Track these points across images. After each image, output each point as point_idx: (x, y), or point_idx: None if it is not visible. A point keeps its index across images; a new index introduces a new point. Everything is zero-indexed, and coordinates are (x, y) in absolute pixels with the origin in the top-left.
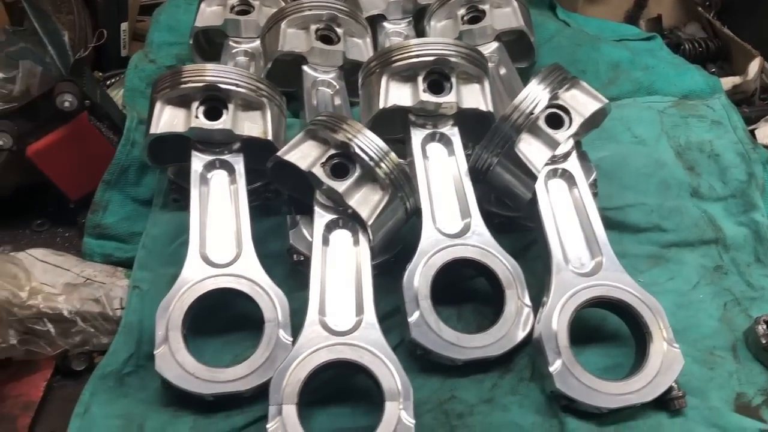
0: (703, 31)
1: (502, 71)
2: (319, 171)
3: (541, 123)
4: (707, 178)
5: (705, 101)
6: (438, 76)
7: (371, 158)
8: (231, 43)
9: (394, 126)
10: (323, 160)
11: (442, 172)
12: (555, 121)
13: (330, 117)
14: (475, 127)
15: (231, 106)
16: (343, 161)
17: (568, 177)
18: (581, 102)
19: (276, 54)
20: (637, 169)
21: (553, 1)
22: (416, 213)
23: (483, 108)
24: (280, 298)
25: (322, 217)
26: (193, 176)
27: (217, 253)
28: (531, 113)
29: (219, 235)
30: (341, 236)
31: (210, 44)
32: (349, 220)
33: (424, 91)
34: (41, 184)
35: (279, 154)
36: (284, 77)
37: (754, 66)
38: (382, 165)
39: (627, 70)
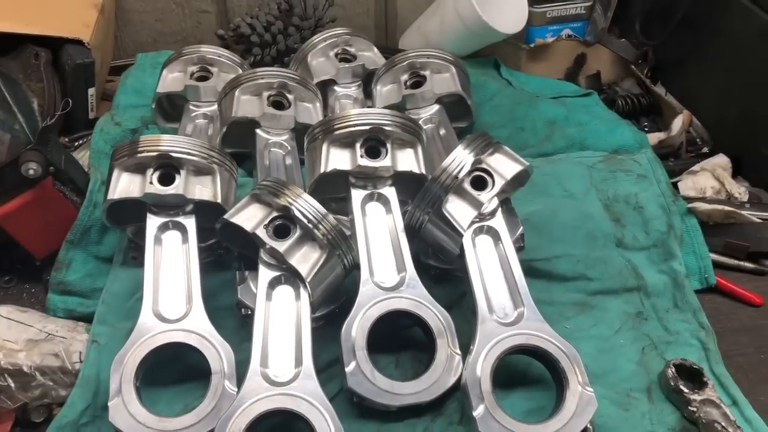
0: (638, 86)
1: (442, 132)
2: (262, 232)
3: (466, 185)
4: (631, 229)
5: (633, 156)
6: (375, 143)
7: (310, 220)
8: (191, 106)
9: (337, 186)
10: (266, 222)
11: (380, 229)
12: (479, 183)
13: (273, 182)
14: (412, 186)
15: (183, 172)
16: (284, 223)
17: (493, 233)
18: (503, 165)
19: (231, 119)
20: (566, 222)
21: (498, 61)
22: (356, 268)
23: (416, 171)
24: (227, 351)
25: (265, 274)
26: (148, 237)
27: (169, 308)
28: (456, 176)
29: (171, 291)
30: (283, 292)
31: (172, 107)
32: (291, 276)
33: (362, 156)
34: (9, 243)
35: (226, 216)
36: (240, 138)
37: (678, 122)
38: (320, 226)
39: (562, 126)
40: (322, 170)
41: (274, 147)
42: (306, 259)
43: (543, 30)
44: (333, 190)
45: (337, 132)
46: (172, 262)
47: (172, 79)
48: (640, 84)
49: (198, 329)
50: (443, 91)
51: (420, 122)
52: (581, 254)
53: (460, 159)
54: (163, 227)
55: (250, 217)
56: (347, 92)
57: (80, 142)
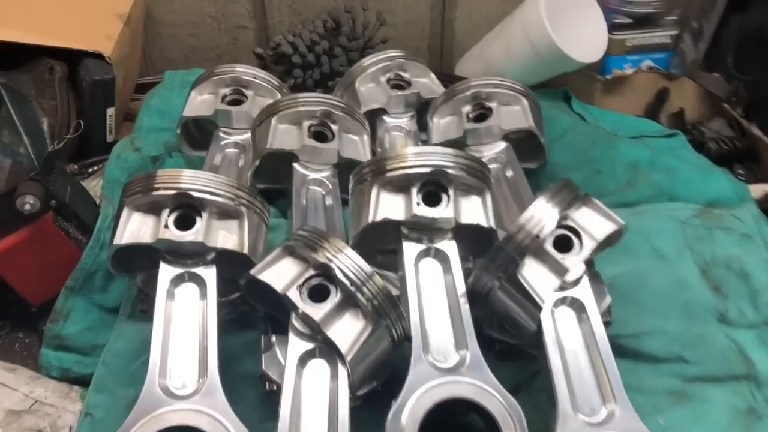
0: (729, 128)
1: (509, 173)
2: (294, 294)
3: (548, 246)
4: (736, 301)
5: (732, 210)
6: (434, 188)
7: (353, 282)
8: (221, 133)
9: (385, 237)
10: (300, 281)
11: (437, 292)
12: (564, 245)
13: (311, 233)
14: (476, 240)
15: (205, 215)
16: (322, 283)
17: (578, 306)
18: (594, 223)
19: (265, 151)
20: (658, 290)
21: (569, 93)
22: (407, 340)
23: (484, 224)
24: None
25: (296, 346)
26: (159, 290)
27: (179, 381)
28: (537, 236)
29: (183, 359)
30: (317, 367)
31: (200, 132)
32: (327, 350)
33: (419, 204)
34: (1, 285)
35: (253, 272)
36: (274, 173)
37: None
38: (365, 290)
39: (646, 171)
40: (370, 219)
41: (313, 185)
42: (346, 331)
43: (621, 60)
44: (381, 242)
45: (390, 174)
46: (186, 321)
47: (200, 102)
48: (732, 125)
49: (212, 409)
50: (512, 126)
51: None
52: (676, 330)
53: (542, 214)
54: (178, 279)
55: (281, 274)
56: (398, 123)
57: (94, 168)
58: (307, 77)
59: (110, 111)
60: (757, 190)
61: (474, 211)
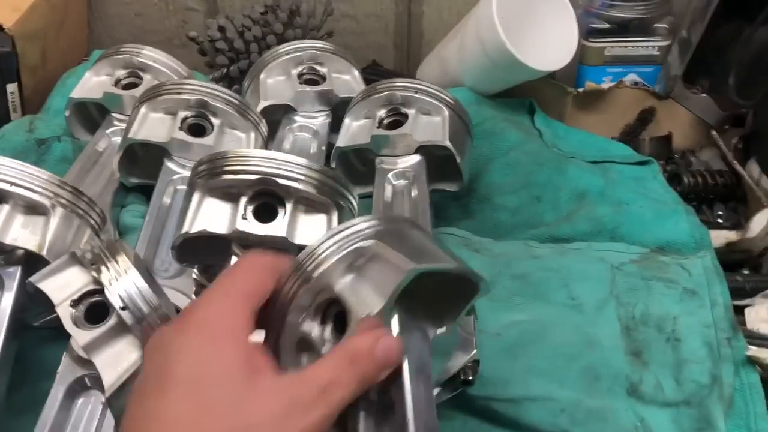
0: (721, 159)
1: (414, 192)
2: (65, 310)
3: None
4: (656, 372)
5: (683, 259)
6: (272, 200)
7: (128, 308)
8: (113, 119)
9: (216, 252)
10: (76, 296)
11: None
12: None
13: (104, 243)
14: None
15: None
16: (99, 302)
17: None
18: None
19: (128, 142)
20: (558, 347)
21: (534, 105)
22: None
23: None
24: None
25: (64, 378)
26: None
27: None
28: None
29: None
30: (84, 405)
31: (102, 115)
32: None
33: (244, 217)
34: None
35: (34, 278)
36: (151, 166)
37: (761, 219)
38: (147, 320)
39: (593, 203)
40: (184, 229)
41: (182, 184)
42: (115, 361)
43: (599, 71)
44: (211, 256)
45: (216, 178)
46: None
47: (94, 84)
48: (724, 158)
49: None
50: (425, 138)
51: (391, 174)
52: (569, 400)
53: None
54: None
55: (62, 286)
56: (308, 123)
57: None
58: (233, 66)
59: (11, 87)
60: (719, 237)
61: (313, 231)
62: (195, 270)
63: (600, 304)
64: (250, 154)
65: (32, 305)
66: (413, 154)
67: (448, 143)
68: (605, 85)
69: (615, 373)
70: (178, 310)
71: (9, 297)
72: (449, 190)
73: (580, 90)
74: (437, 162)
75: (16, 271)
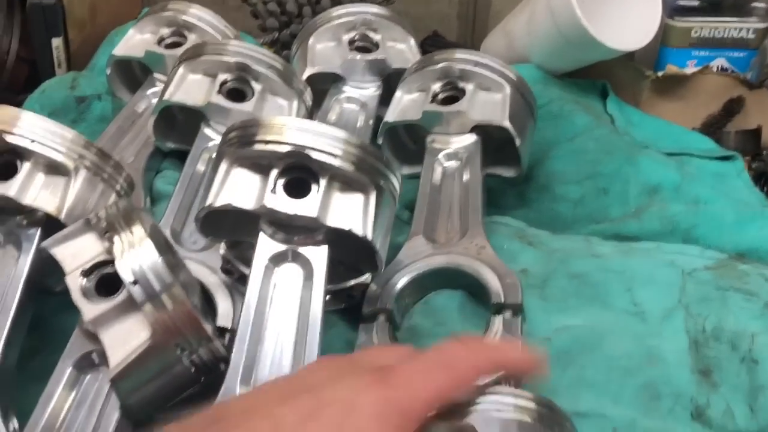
0: None
1: (465, 176)
2: (74, 280)
3: None
4: (727, 395)
5: (766, 269)
6: (301, 174)
7: (140, 284)
8: (154, 78)
9: (244, 227)
10: (88, 267)
11: (287, 308)
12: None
13: (122, 210)
14: (357, 252)
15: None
16: (109, 275)
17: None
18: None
19: (163, 104)
20: (614, 359)
21: (607, 87)
22: (213, 372)
23: (358, 231)
24: None
25: (72, 352)
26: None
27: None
28: None
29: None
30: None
31: (145, 75)
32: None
33: (273, 191)
34: None
35: (46, 243)
36: (185, 130)
37: None
38: (159, 299)
39: (666, 200)
40: (209, 202)
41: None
42: (124, 339)
43: (683, 54)
44: (238, 231)
45: (247, 148)
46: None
47: (137, 41)
48: None
49: None
50: (483, 118)
51: (442, 155)
52: (623, 418)
53: None
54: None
55: (76, 253)
56: (356, 95)
57: None
58: (286, 31)
59: (56, 42)
60: None
61: (348, 212)
62: (223, 245)
63: (666, 313)
64: (284, 123)
65: (51, 270)
66: (468, 133)
67: (507, 124)
68: (689, 70)
69: (678, 392)
70: (201, 286)
71: (26, 259)
72: (505, 176)
73: (660, 74)
74: (494, 144)
75: (35, 234)
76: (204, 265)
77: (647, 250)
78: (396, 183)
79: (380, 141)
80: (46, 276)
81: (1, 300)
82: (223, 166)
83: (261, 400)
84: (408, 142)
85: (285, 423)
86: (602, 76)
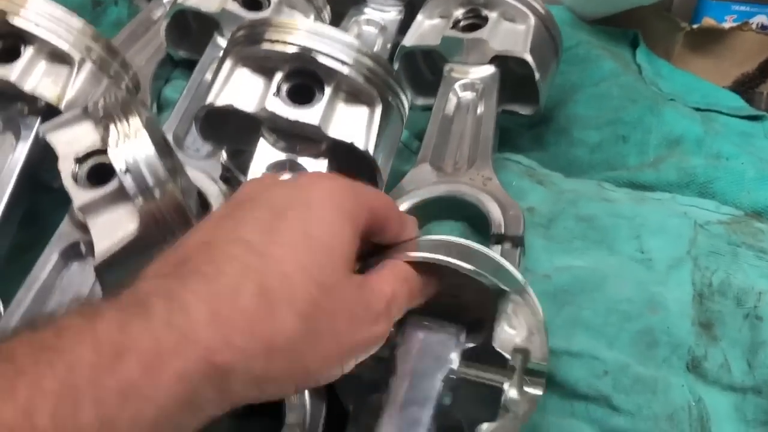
0: None
1: (479, 110)
2: (67, 166)
3: None
4: (726, 350)
5: None
6: (305, 80)
7: (130, 173)
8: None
9: (245, 133)
10: (81, 155)
11: None
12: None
13: (120, 99)
14: (359, 167)
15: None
16: (102, 165)
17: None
18: None
19: (175, 8)
20: (614, 302)
21: (638, 37)
22: None
23: (359, 144)
24: None
25: (60, 240)
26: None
27: None
28: None
29: None
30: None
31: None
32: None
33: (275, 94)
34: None
35: (43, 128)
36: (198, 39)
37: None
38: (149, 192)
39: (686, 152)
40: (209, 100)
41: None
42: (111, 228)
43: (722, 8)
44: (239, 139)
45: (252, 47)
46: None
47: None
48: None
49: None
50: (503, 48)
51: (458, 84)
52: (615, 362)
53: None
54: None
55: (71, 141)
56: (377, 17)
57: None
58: None
59: None
60: None
61: (352, 124)
62: (223, 153)
63: (674, 263)
64: (293, 24)
65: (50, 164)
66: (487, 64)
67: (527, 56)
68: (727, 25)
69: (677, 342)
70: (200, 193)
71: (23, 147)
72: (522, 113)
73: (695, 27)
74: (514, 79)
75: (35, 122)
76: (204, 172)
77: (661, 200)
78: (405, 101)
79: (396, 66)
80: (44, 170)
81: None
82: (227, 65)
83: (224, 228)
84: (425, 71)
85: (253, 242)
86: (635, 26)
